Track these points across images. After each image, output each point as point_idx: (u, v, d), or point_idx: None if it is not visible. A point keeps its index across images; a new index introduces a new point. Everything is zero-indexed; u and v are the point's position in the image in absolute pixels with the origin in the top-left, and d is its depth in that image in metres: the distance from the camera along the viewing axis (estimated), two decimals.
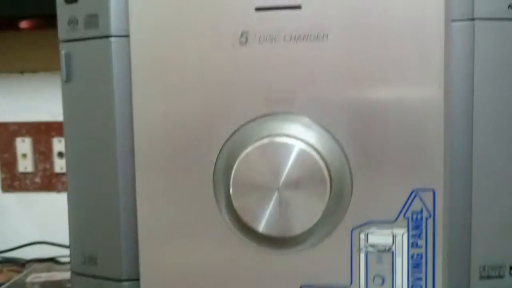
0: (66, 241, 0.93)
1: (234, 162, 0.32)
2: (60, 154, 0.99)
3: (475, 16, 0.32)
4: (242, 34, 0.31)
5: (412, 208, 0.32)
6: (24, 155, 0.98)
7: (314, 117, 0.32)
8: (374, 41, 0.31)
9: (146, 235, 0.33)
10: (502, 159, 0.32)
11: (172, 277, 0.34)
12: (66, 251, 0.91)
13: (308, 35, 0.31)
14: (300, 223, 0.31)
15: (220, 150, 0.33)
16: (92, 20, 0.36)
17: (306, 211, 0.31)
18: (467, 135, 0.31)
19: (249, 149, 0.31)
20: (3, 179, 1.00)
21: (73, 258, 0.38)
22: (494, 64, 0.32)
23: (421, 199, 0.32)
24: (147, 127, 0.34)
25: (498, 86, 0.32)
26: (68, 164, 0.37)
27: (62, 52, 0.36)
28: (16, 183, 0.99)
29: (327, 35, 0.31)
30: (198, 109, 0.33)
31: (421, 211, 0.32)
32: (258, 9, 0.31)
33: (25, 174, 0.99)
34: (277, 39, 0.31)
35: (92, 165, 0.36)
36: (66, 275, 0.80)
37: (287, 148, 0.31)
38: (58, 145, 0.98)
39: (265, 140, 0.31)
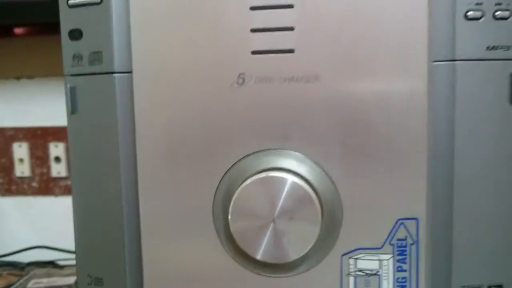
0: (63, 244, 0.96)
1: (233, 194, 0.35)
2: (57, 159, 1.01)
3: (456, 57, 0.35)
4: (239, 76, 0.34)
5: (397, 235, 0.35)
6: (21, 160, 1.01)
7: (307, 152, 0.35)
8: (363, 82, 0.34)
9: (150, 263, 0.36)
10: (481, 193, 0.35)
11: None
12: (65, 255, 0.93)
13: (301, 77, 0.34)
14: (295, 251, 0.34)
15: (220, 182, 0.36)
16: (96, 56, 0.38)
17: (300, 240, 0.34)
18: (449, 170, 0.35)
19: (247, 182, 0.34)
20: (1, 184, 1.02)
21: (80, 278, 0.41)
22: (475, 102, 0.35)
23: (405, 227, 0.35)
24: (150, 159, 0.37)
25: (479, 124, 0.35)
26: (74, 190, 0.40)
27: (68, 86, 0.39)
28: (14, 188, 1.02)
29: (318, 77, 0.34)
30: (199, 143, 0.36)
31: (406, 238, 0.35)
32: (254, 52, 0.34)
33: (22, 178, 1.02)
34: (272, 81, 0.34)
35: (97, 192, 0.39)
36: (66, 280, 0.83)
37: (281, 181, 0.34)
38: (55, 150, 1.00)
39: (261, 175, 0.34)
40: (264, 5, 0.34)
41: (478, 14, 0.34)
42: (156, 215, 0.36)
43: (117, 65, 0.37)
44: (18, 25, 0.93)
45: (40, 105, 0.99)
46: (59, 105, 0.95)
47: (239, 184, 0.34)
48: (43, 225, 1.01)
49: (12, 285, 0.81)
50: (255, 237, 0.34)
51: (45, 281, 0.83)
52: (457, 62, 0.35)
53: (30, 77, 0.99)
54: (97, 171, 0.38)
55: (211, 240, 0.36)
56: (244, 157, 0.35)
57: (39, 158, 1.00)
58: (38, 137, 0.99)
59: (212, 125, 0.35)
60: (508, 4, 0.34)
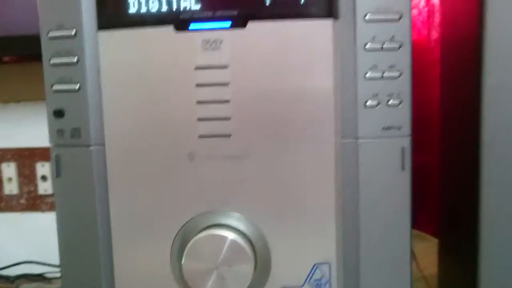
0: (50, 257, 1.07)
1: (186, 245, 0.46)
2: (43, 177, 1.12)
3: (358, 136, 0.47)
4: (189, 154, 0.46)
5: (315, 276, 0.47)
6: (10, 179, 1.11)
7: (243, 212, 0.47)
8: (283, 160, 0.46)
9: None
10: (380, 244, 0.47)
11: None
12: (53, 269, 1.05)
13: (236, 155, 0.46)
14: None
15: (175, 235, 0.48)
16: (76, 132, 0.50)
17: (238, 282, 0.46)
18: (355, 228, 0.47)
19: (196, 237, 0.46)
20: None
21: None
22: (375, 170, 0.47)
23: (320, 270, 0.47)
24: (121, 216, 0.48)
25: (379, 186, 0.47)
26: (59, 242, 0.51)
27: (53, 154, 0.50)
28: (3, 204, 1.12)
29: (250, 155, 0.46)
30: (159, 205, 0.47)
31: (321, 278, 0.47)
32: (200, 136, 0.46)
33: (11, 196, 1.12)
34: (215, 158, 0.46)
35: (78, 246, 0.51)
36: None
37: (223, 238, 0.46)
38: (41, 169, 1.11)
39: (207, 231, 0.46)
40: (207, 100, 0.45)
41: (374, 103, 0.46)
42: (126, 263, 0.48)
43: (93, 139, 0.49)
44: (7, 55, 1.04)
45: (27, 127, 1.08)
46: (45, 128, 1.07)
47: (190, 238, 0.46)
48: (30, 239, 1.10)
49: None
50: (202, 279, 0.45)
51: None
52: (359, 140, 0.47)
53: (17, 101, 1.07)
54: (76, 229, 0.50)
55: (168, 278, 0.48)
56: (194, 217, 0.47)
57: (27, 177, 1.10)
58: (26, 157, 1.09)
59: (169, 192, 0.47)
60: (398, 94, 0.46)
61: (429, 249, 0.86)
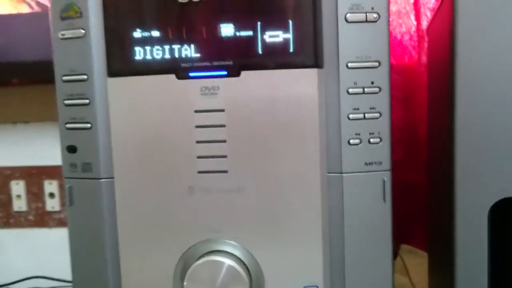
0: (56, 271, 1.14)
1: (187, 269, 0.52)
2: (51, 195, 1.18)
3: (343, 171, 0.54)
4: (189, 188, 0.53)
5: None
6: (19, 196, 1.16)
7: (238, 240, 0.53)
8: (274, 193, 0.52)
9: None
10: (363, 267, 0.53)
11: None
12: (60, 283, 1.11)
13: (231, 189, 0.52)
14: None
15: (178, 260, 0.54)
16: (87, 166, 0.56)
17: None
18: (341, 253, 0.53)
19: (196, 263, 0.52)
20: (0, 217, 1.20)
21: None
22: (358, 201, 0.53)
23: None
24: (129, 239, 0.55)
25: (362, 215, 0.53)
26: (72, 262, 0.57)
27: (66, 186, 0.57)
28: (12, 221, 1.17)
29: (244, 189, 0.52)
30: (163, 233, 0.54)
31: None
32: (199, 172, 0.53)
33: (19, 212, 1.16)
34: (212, 191, 0.52)
35: (89, 267, 0.57)
36: None
37: (220, 263, 0.52)
38: (49, 186, 1.17)
39: (206, 258, 0.52)
40: (206, 140, 0.52)
41: (357, 141, 0.52)
42: (133, 285, 0.55)
43: (103, 173, 0.55)
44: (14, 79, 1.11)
45: (35, 147, 1.12)
46: (52, 147, 1.14)
47: (191, 263, 0.52)
48: (38, 254, 1.16)
49: None
50: None
51: None
52: (343, 174, 0.53)
53: (25, 122, 1.12)
54: (87, 251, 0.57)
55: None
56: (194, 245, 0.53)
57: (35, 194, 1.15)
58: (34, 176, 1.13)
59: (171, 221, 0.53)
60: (379, 133, 0.53)
61: (422, 264, 0.92)
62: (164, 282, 0.52)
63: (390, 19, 0.88)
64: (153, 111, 0.51)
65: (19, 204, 1.14)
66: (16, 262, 1.15)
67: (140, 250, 0.53)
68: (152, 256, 0.52)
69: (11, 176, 1.13)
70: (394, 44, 0.98)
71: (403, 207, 1.04)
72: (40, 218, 1.14)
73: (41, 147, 1.13)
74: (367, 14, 0.49)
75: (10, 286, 1.10)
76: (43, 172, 1.13)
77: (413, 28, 0.98)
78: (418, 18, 0.94)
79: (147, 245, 0.53)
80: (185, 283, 0.51)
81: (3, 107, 1.12)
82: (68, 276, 1.06)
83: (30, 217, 1.14)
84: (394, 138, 1.10)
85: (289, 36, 0.50)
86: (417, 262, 0.98)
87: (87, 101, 0.52)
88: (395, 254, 1.00)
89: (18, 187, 1.14)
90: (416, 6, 0.94)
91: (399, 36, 0.98)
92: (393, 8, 0.98)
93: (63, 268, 1.09)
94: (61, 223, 1.14)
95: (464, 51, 0.48)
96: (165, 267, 0.53)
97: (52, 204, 1.13)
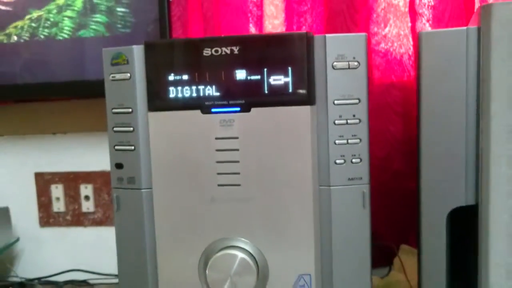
0: (92, 265, 1.34)
1: (209, 260, 0.71)
2: (86, 197, 1.35)
3: (331, 184, 0.72)
4: (211, 198, 0.72)
5: (299, 283, 0.72)
6: (58, 198, 1.28)
7: (249, 238, 0.71)
8: (276, 202, 0.71)
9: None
10: (346, 259, 0.72)
11: None
12: (95, 276, 1.31)
13: (244, 199, 0.71)
14: None
15: (202, 253, 0.73)
16: (131, 179, 0.75)
17: (244, 287, 0.72)
18: (329, 252, 0.71)
19: (216, 255, 0.71)
20: (41, 218, 1.30)
21: None
22: (342, 209, 0.72)
23: (303, 279, 0.72)
24: (164, 238, 0.74)
25: (347, 218, 0.72)
26: (118, 256, 0.77)
27: (114, 195, 0.76)
28: (52, 220, 1.30)
29: (254, 199, 0.71)
30: (190, 232, 0.73)
31: (304, 285, 0.72)
32: (219, 185, 0.71)
33: (58, 213, 1.29)
34: (229, 200, 0.71)
35: (132, 261, 0.76)
36: None
37: (234, 256, 0.70)
38: (85, 190, 1.30)
39: (224, 251, 0.71)
40: (224, 160, 0.71)
41: (342, 161, 0.70)
42: (168, 273, 0.74)
43: (144, 184, 0.74)
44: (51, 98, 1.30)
45: (72, 155, 1.27)
46: (87, 155, 1.34)
47: (212, 255, 0.71)
48: (74, 250, 1.29)
49: None
50: (220, 285, 0.71)
51: None
52: (331, 187, 0.72)
53: (64, 132, 1.27)
54: (131, 248, 0.76)
55: (197, 284, 0.73)
56: (214, 241, 0.72)
57: (72, 197, 1.28)
58: (71, 180, 1.28)
59: (197, 224, 0.72)
60: (359, 154, 0.71)
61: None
62: (191, 271, 0.71)
63: (391, 42, 1.06)
64: (183, 138, 0.69)
65: (58, 206, 1.29)
66: (55, 257, 1.30)
67: (173, 246, 0.71)
68: (181, 250, 0.70)
69: (51, 180, 1.28)
70: (395, 64, 1.14)
71: (403, 212, 1.21)
72: (77, 218, 1.30)
73: (77, 155, 1.27)
74: (350, 62, 0.67)
75: (50, 278, 1.25)
76: (79, 177, 1.27)
77: (411, 49, 1.14)
78: (415, 40, 1.10)
79: (178, 242, 0.71)
80: (207, 271, 0.69)
81: (44, 119, 1.26)
82: (101, 269, 1.27)
83: (68, 217, 1.30)
84: (395, 150, 1.27)
85: (289, 79, 0.67)
86: (415, 261, 1.15)
87: (132, 128, 0.71)
88: (395, 253, 1.18)
89: (57, 191, 1.29)
90: (413, 29, 1.10)
91: (398, 56, 1.15)
92: (394, 31, 1.15)
93: (97, 262, 1.31)
94: (95, 223, 1.28)
95: (427, 93, 0.65)
96: (192, 259, 0.71)
97: (87, 206, 1.28)
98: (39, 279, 1.24)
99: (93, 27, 1.08)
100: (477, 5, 1.04)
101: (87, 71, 1.09)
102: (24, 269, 1.29)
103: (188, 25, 1.12)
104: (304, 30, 1.08)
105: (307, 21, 1.13)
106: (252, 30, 1.12)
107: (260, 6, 1.10)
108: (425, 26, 1.08)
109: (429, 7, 1.07)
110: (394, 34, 1.11)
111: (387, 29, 1.11)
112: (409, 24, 1.09)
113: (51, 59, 1.11)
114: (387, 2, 1.09)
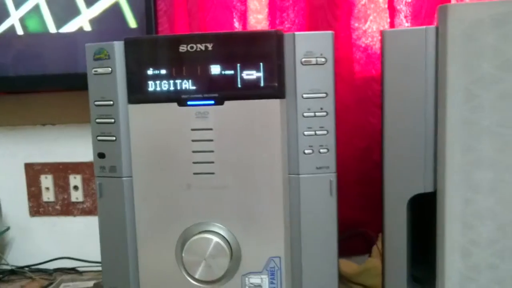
0: (80, 254, 1.40)
1: (185, 244, 0.78)
2: (75, 187, 1.34)
3: (300, 173, 0.79)
4: (187, 185, 0.78)
5: (270, 265, 0.78)
6: (47, 188, 1.31)
7: (223, 223, 0.78)
8: (249, 189, 0.77)
9: (144, 271, 0.81)
10: (313, 243, 0.78)
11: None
12: (84, 263, 1.37)
13: (218, 186, 0.77)
14: (215, 274, 0.77)
15: (179, 237, 0.79)
16: (113, 168, 0.81)
17: (219, 269, 0.77)
18: (298, 236, 0.77)
19: (191, 239, 0.78)
20: (31, 207, 1.32)
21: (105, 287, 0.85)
22: (311, 196, 0.79)
23: (274, 261, 0.78)
24: (144, 224, 0.81)
25: (314, 204, 0.78)
26: (101, 241, 0.83)
27: (97, 183, 0.82)
28: (41, 210, 1.32)
29: (227, 186, 0.77)
30: (168, 217, 0.79)
31: (274, 267, 0.79)
32: (195, 173, 0.77)
33: (48, 203, 1.32)
34: (204, 188, 0.76)
35: (114, 245, 0.83)
36: (87, 284, 1.18)
37: (209, 239, 0.76)
38: (74, 180, 1.30)
39: (199, 235, 0.77)
40: (199, 150, 0.77)
41: (310, 151, 0.76)
42: (146, 256, 0.81)
43: (124, 173, 0.80)
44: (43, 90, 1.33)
45: (61, 146, 1.30)
46: (76, 146, 1.40)
47: (188, 239, 0.77)
48: (64, 238, 1.32)
49: (47, 286, 1.16)
50: (196, 267, 0.77)
51: (72, 284, 1.15)
52: (300, 175, 0.78)
53: (53, 124, 1.29)
54: (113, 233, 0.82)
55: (174, 266, 0.80)
56: (190, 226, 0.79)
57: (61, 187, 1.31)
58: (60, 171, 1.30)
59: (175, 209, 0.78)
60: (326, 145, 0.77)
61: None
62: (169, 254, 0.77)
63: (371, 37, 1.12)
64: (161, 129, 0.75)
65: (48, 196, 1.32)
66: (45, 246, 1.33)
67: (152, 231, 0.77)
68: (160, 235, 0.76)
69: (41, 171, 1.31)
70: (375, 58, 1.20)
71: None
72: (66, 208, 1.32)
73: (66, 146, 1.30)
74: (317, 58, 0.73)
75: (40, 265, 1.28)
76: (68, 167, 1.30)
77: None
78: None
79: (157, 227, 0.77)
80: (183, 254, 0.76)
81: (34, 111, 1.29)
82: (90, 257, 1.32)
83: (57, 207, 1.32)
84: (375, 141, 1.34)
85: (261, 74, 0.73)
86: None
87: (113, 120, 0.77)
88: (373, 241, 1.24)
89: (47, 181, 1.31)
90: (392, 25, 1.15)
91: (378, 51, 1.21)
92: (374, 26, 1.21)
93: (85, 251, 1.34)
94: (83, 212, 1.32)
95: (389, 88, 0.71)
96: (169, 243, 0.77)
97: (76, 196, 1.31)
98: (29, 266, 1.28)
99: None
100: (452, 2, 1.09)
101: (79, 64, 1.14)
102: (15, 257, 1.32)
103: (174, 19, 1.17)
104: (286, 24, 1.13)
105: (290, 16, 1.17)
106: (236, 24, 1.17)
107: (244, 1, 1.15)
108: (402, 22, 1.13)
109: (407, 4, 1.12)
110: (374, 29, 1.15)
111: (367, 25, 1.15)
112: (388, 20, 1.14)
113: (43, 51, 1.16)
114: None
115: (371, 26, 1.15)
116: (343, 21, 1.12)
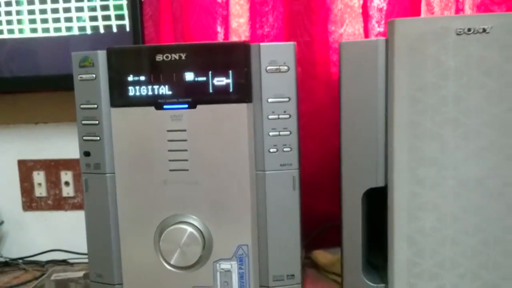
0: (71, 246, 1.49)
1: (163, 233, 0.87)
2: (66, 183, 1.33)
3: (265, 169, 0.89)
4: (164, 181, 0.88)
5: (239, 252, 0.88)
6: (40, 184, 1.36)
7: (196, 215, 0.87)
8: (220, 184, 0.87)
9: (126, 262, 0.92)
10: (280, 231, 0.89)
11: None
12: (74, 255, 1.47)
13: (192, 182, 0.86)
14: (190, 260, 0.86)
15: (156, 228, 0.90)
16: (97, 165, 0.90)
17: (192, 256, 0.87)
18: (265, 227, 0.88)
19: (168, 229, 0.88)
20: (24, 202, 1.37)
21: (91, 274, 0.96)
22: (276, 190, 0.89)
23: (242, 249, 0.88)
24: (126, 216, 0.91)
25: (279, 198, 0.89)
26: (87, 233, 0.94)
27: (83, 178, 0.92)
28: (34, 204, 1.37)
29: (200, 182, 0.86)
30: (147, 210, 0.89)
31: (243, 254, 0.88)
32: (171, 170, 0.87)
33: (40, 198, 1.37)
34: (179, 183, 0.85)
35: (99, 236, 0.93)
36: (77, 274, 1.24)
37: (184, 229, 0.86)
38: (65, 176, 1.35)
39: (175, 226, 0.87)
40: (174, 149, 0.86)
41: (275, 150, 0.85)
42: (128, 245, 0.92)
43: (108, 169, 0.89)
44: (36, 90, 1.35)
45: (53, 143, 1.35)
46: (67, 144, 1.47)
47: (165, 229, 0.86)
48: (55, 232, 1.37)
49: (39, 277, 1.20)
50: (171, 254, 0.87)
51: (63, 274, 1.19)
52: (266, 171, 0.89)
53: (45, 122, 1.34)
54: (98, 225, 0.93)
55: (152, 253, 0.90)
56: (167, 217, 0.89)
57: (53, 183, 1.35)
58: (52, 167, 1.35)
59: (153, 202, 0.86)
60: (290, 144, 0.88)
61: None
62: (148, 243, 0.87)
63: (347, 37, 1.21)
64: (140, 130, 0.84)
65: (40, 191, 1.37)
66: (38, 239, 1.38)
67: (132, 222, 0.86)
68: (140, 226, 0.85)
69: (33, 167, 1.36)
70: None
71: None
72: (58, 203, 1.37)
73: (58, 143, 1.35)
74: (280, 67, 0.83)
75: (33, 258, 1.32)
76: (59, 164, 1.35)
77: None
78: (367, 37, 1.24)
79: (137, 218, 0.85)
80: (160, 243, 0.86)
81: (27, 110, 1.34)
82: (80, 249, 1.40)
83: (49, 202, 1.37)
84: None
85: (230, 81, 0.82)
86: None
87: (97, 122, 0.86)
88: None
89: (39, 177, 1.36)
90: (366, 29, 1.24)
91: None
92: (349, 30, 1.29)
93: (76, 243, 1.38)
94: (75, 207, 1.37)
95: (345, 94, 0.80)
96: (148, 233, 0.86)
97: (68, 191, 1.37)
98: (22, 258, 1.32)
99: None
100: (423, 9, 1.19)
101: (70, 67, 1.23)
102: (8, 250, 1.37)
103: (159, 24, 1.24)
104: (266, 28, 1.22)
105: (269, 21, 1.25)
106: (219, 28, 1.26)
107: (226, 7, 1.23)
108: (374, 27, 1.22)
109: (379, 10, 1.21)
110: (350, 33, 1.23)
111: (343, 29, 1.23)
112: (362, 24, 1.22)
113: (36, 54, 1.22)
114: (344, 3, 1.21)
115: (346, 30, 1.23)
116: (320, 25, 1.21)
